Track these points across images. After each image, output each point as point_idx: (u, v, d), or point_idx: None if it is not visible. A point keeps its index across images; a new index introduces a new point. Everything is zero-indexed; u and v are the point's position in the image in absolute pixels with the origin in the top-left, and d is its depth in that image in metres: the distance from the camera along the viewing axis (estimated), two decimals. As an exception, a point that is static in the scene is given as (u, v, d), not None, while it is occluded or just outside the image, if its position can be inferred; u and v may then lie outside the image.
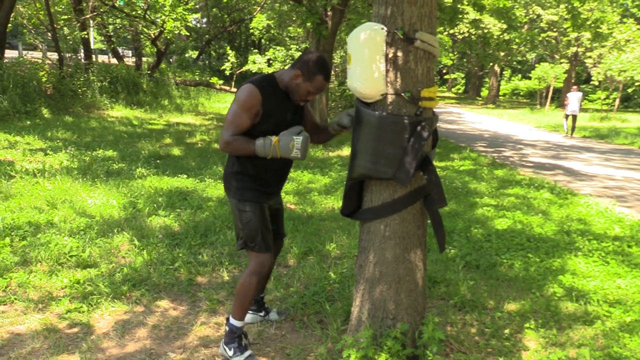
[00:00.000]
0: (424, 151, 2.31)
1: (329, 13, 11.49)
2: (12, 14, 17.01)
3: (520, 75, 48.64)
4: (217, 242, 4.53)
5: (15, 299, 3.35)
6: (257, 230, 2.68)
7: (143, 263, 3.98)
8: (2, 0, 13.55)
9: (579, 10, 10.29)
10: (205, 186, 6.56)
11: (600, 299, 3.57)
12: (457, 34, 28.18)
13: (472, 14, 16.37)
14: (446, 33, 27.19)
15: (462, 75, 53.58)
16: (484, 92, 45.52)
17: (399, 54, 2.23)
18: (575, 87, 18.47)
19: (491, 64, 31.40)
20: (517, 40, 22.96)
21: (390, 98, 2.29)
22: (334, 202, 6.12)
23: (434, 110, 2.44)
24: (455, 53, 40.57)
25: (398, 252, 2.42)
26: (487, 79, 44.78)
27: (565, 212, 5.99)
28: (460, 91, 54.27)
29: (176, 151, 9.56)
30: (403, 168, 2.24)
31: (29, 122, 11.65)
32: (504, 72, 43.72)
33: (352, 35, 2.28)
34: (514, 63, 42.24)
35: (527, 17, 30.57)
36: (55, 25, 16.96)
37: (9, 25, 16.30)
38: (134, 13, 19.83)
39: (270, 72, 2.82)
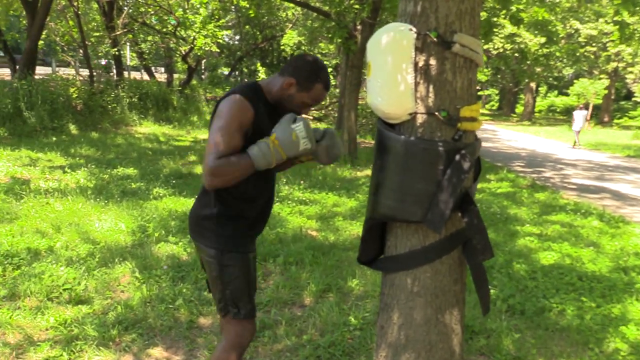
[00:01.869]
0: (463, 187, 1.81)
1: (358, 27, 11.07)
2: (45, 31, 17.24)
3: (556, 92, 47.25)
4: (226, 275, 4.07)
5: (-9, 342, 2.96)
6: (244, 289, 2.11)
7: (141, 300, 3.55)
8: (33, 17, 13.63)
9: (627, 21, 9.58)
10: (222, 209, 6.14)
11: (675, 359, 2.97)
12: (491, 49, 27.44)
13: (509, 28, 15.75)
14: (480, 48, 26.51)
15: (496, 92, 52.48)
16: (519, 109, 44.32)
17: (432, 61, 1.74)
18: (581, 105, 20.02)
19: (527, 80, 30.44)
20: (557, 54, 22.11)
21: (420, 118, 1.79)
22: (360, 229, 5.61)
23: (477, 134, 1.94)
24: (489, 69, 39.72)
25: (429, 313, 1.90)
26: (522, 95, 43.63)
27: (618, 243, 5.33)
28: (494, 108, 53.12)
29: (199, 169, 9.21)
30: (436, 209, 1.74)
31: (54, 139, 11.55)
32: (539, 89, 42.53)
33: (373, 39, 1.81)
34: (550, 79, 41.02)
35: (565, 32, 29.60)
36: (86, 42, 17.08)
37: (41, 42, 16.49)
38: (164, 30, 19.91)
39: (253, 80, 2.18)
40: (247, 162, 1.91)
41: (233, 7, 25.01)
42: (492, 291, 3.87)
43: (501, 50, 25.38)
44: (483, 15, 11.59)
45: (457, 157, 1.74)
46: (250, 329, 2.18)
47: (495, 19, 11.99)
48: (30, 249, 4.37)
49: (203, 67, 31.45)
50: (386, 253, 2.00)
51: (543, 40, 18.57)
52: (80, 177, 7.62)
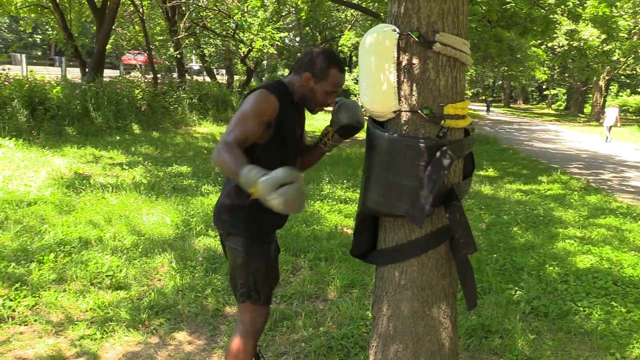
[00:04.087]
0: (449, 182, 1.86)
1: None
2: (113, 36, 18.22)
3: (629, 91, 44.74)
4: (257, 268, 4.23)
5: (36, 320, 3.25)
6: (267, 277, 2.22)
7: (174, 288, 3.78)
8: (101, 22, 14.47)
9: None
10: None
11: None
12: (556, 47, 26.43)
13: (567, 25, 15.10)
14: (544, 47, 25.60)
15: (564, 91, 50.37)
16: (588, 109, 42.34)
17: (415, 61, 1.80)
18: (613, 104, 21.28)
19: (594, 78, 29.00)
20: (618, 51, 20.96)
21: (405, 116, 1.86)
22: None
23: (470, 131, 1.98)
24: (556, 67, 38.10)
25: (416, 306, 1.96)
26: (590, 95, 41.65)
27: (668, 249, 5.08)
28: (561, 108, 51.01)
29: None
30: (418, 204, 1.80)
31: (118, 138, 12.20)
32: (610, 87, 40.47)
33: (361, 41, 1.89)
34: (622, 77, 38.90)
35: (638, 28, 28.01)
36: (151, 46, 17.91)
37: (109, 46, 17.43)
38: (224, 33, 20.56)
39: (278, 79, 2.27)
40: (236, 169, 1.80)
41: (293, 9, 25.46)
42: (517, 293, 3.82)
43: (566, 47, 24.37)
44: (540, 12, 11.24)
45: (438, 153, 1.79)
46: (264, 314, 2.30)
47: (553, 16, 11.60)
48: (82, 238, 4.72)
49: (264, 69, 32.13)
50: (378, 246, 2.08)
51: (604, 36, 17.61)
52: (136, 173, 8.05)
